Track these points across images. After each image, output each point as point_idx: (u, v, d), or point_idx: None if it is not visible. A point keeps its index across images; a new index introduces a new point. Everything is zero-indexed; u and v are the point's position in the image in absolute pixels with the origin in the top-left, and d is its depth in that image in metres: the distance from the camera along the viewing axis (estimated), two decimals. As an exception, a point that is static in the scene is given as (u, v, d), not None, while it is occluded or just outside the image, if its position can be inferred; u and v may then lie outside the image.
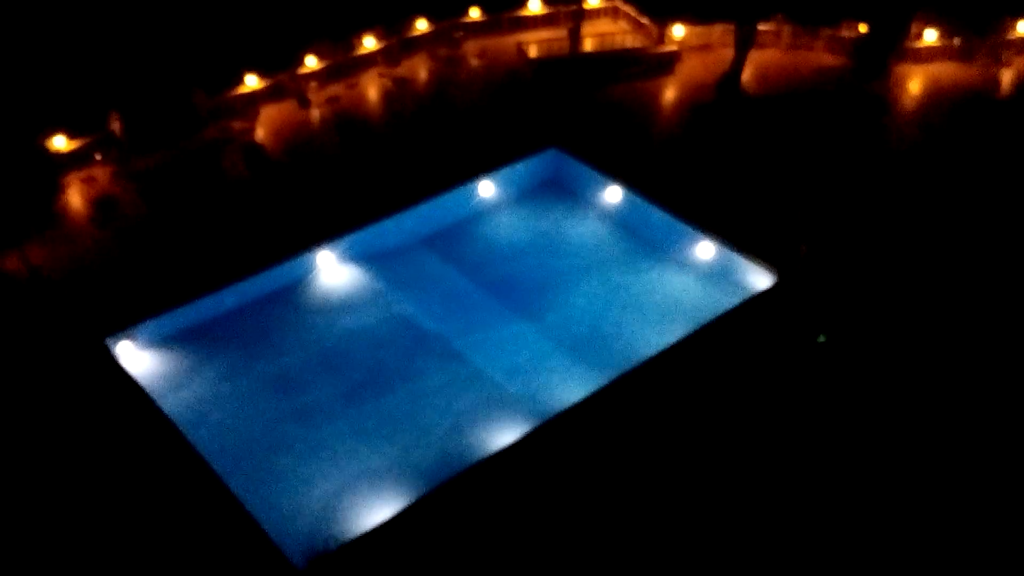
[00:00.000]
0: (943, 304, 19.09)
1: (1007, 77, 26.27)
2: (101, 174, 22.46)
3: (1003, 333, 18.47)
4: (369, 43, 27.01)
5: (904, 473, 15.96)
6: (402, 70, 26.75)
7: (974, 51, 26.86)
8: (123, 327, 18.50)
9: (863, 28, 26.93)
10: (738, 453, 16.32)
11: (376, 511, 15.71)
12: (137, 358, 18.65)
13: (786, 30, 27.49)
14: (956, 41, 26.84)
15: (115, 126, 23.15)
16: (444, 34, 28.11)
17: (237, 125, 24.09)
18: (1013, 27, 27.20)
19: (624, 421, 16.87)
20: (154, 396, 17.23)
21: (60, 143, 22.37)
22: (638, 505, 15.43)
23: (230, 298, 19.79)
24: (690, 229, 21.43)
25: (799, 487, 15.79)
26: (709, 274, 21.19)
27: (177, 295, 19.16)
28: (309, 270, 20.97)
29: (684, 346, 18.35)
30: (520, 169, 23.64)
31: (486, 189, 23.17)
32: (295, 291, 20.58)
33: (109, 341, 18.22)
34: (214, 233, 20.75)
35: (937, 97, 25.67)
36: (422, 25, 27.96)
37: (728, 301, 19.94)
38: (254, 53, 25.90)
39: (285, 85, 25.55)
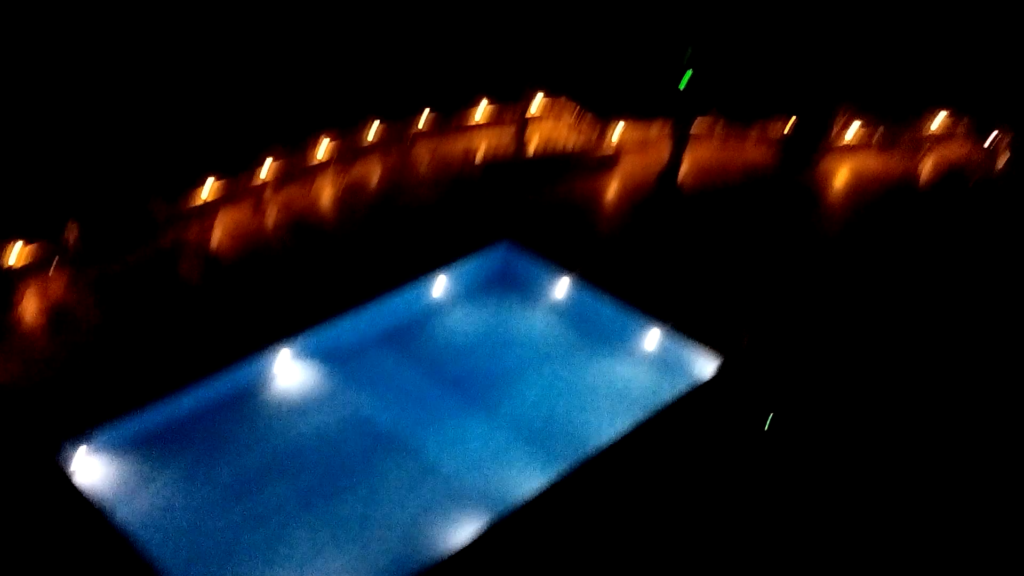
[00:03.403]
0: (883, 385, 19.97)
1: (927, 166, 27.89)
2: (56, 282, 22.64)
3: (943, 412, 19.32)
4: (323, 147, 27.85)
5: (854, 554, 16.45)
6: (355, 172, 27.58)
7: (895, 142, 28.53)
8: (77, 435, 18.40)
9: (790, 123, 28.53)
10: (694, 539, 16.71)
11: (336, 613, 15.77)
12: (91, 467, 18.55)
13: (719, 126, 28.98)
14: (878, 133, 28.51)
15: (71, 235, 23.45)
16: (396, 137, 29.12)
17: (193, 231, 24.53)
18: (932, 118, 29.01)
19: (580, 512, 17.19)
20: (108, 505, 17.18)
21: (14, 252, 22.56)
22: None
23: (186, 403, 19.88)
24: (638, 318, 22.26)
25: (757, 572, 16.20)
26: (657, 361, 21.90)
27: (132, 402, 19.18)
28: (263, 372, 21.19)
29: (636, 434, 18.86)
30: (472, 264, 24.37)
31: (439, 285, 23.80)
32: (250, 394, 20.75)
33: (63, 449, 18.12)
34: (170, 339, 20.96)
35: (862, 187, 27.19)
36: (374, 128, 28.95)
37: (676, 386, 20.60)
38: (210, 159, 26.57)
39: (241, 190, 26.15)
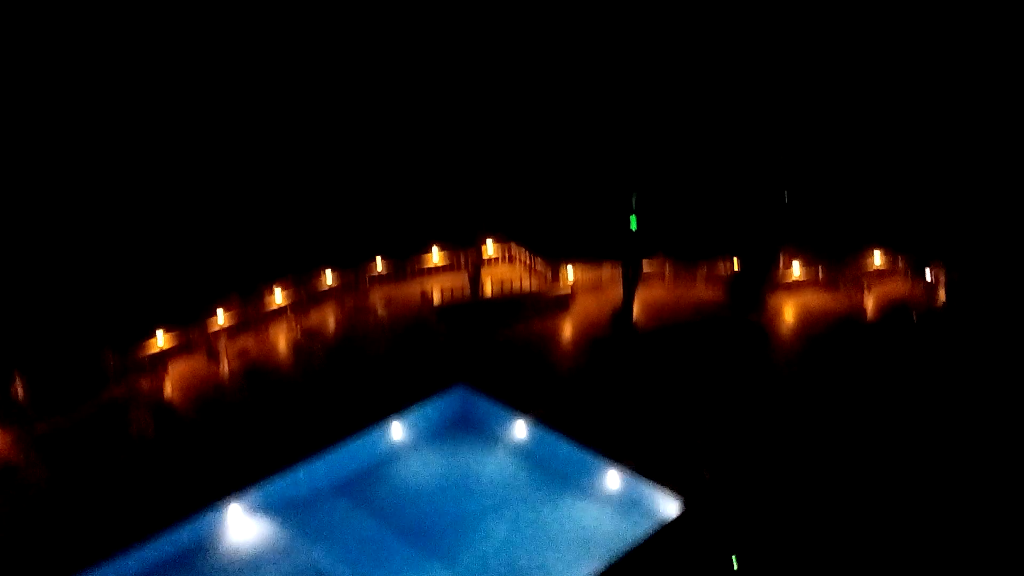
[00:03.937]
0: (847, 516, 19.98)
1: (872, 302, 28.83)
2: (1, 440, 21.98)
3: (907, 539, 19.36)
4: (278, 295, 27.96)
5: None
6: (311, 320, 27.64)
7: (837, 280, 29.54)
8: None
9: (735, 262, 29.48)
10: None
11: None
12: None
13: (668, 267, 29.81)
14: (820, 271, 29.54)
15: (17, 389, 22.96)
16: (351, 284, 29.39)
17: (145, 382, 24.16)
18: (870, 256, 30.19)
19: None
20: None
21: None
22: None
23: (132, 565, 19.10)
24: (597, 460, 22.11)
25: None
26: (618, 503, 21.60)
27: (77, 564, 18.38)
28: (215, 528, 20.52)
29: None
30: (428, 408, 24.20)
31: (395, 430, 23.53)
32: (201, 552, 20.01)
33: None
34: (118, 496, 20.31)
35: (809, 323, 27.91)
36: (329, 276, 29.23)
37: (638, 530, 20.32)
38: (163, 309, 26.49)
39: (194, 340, 25.98)
